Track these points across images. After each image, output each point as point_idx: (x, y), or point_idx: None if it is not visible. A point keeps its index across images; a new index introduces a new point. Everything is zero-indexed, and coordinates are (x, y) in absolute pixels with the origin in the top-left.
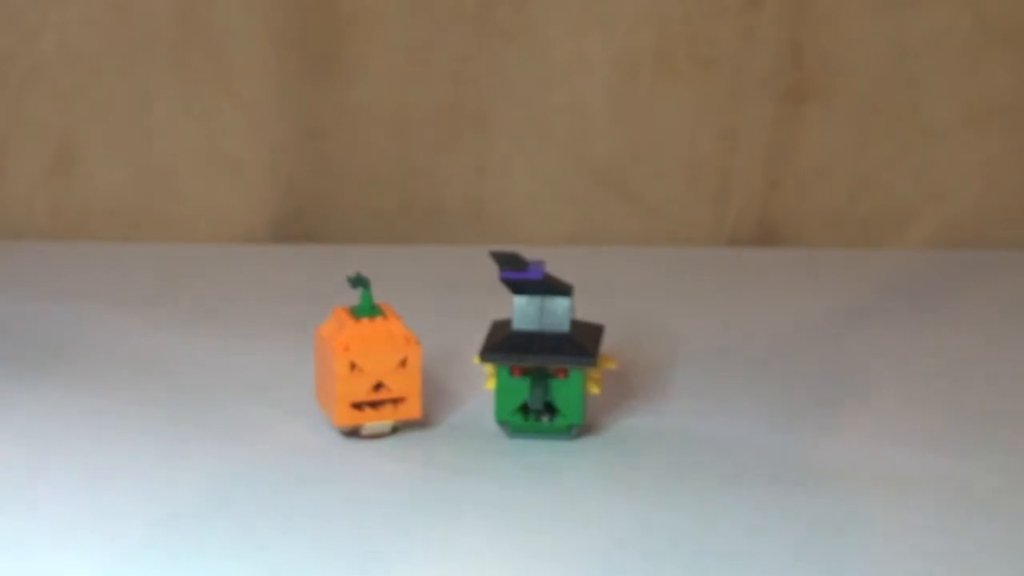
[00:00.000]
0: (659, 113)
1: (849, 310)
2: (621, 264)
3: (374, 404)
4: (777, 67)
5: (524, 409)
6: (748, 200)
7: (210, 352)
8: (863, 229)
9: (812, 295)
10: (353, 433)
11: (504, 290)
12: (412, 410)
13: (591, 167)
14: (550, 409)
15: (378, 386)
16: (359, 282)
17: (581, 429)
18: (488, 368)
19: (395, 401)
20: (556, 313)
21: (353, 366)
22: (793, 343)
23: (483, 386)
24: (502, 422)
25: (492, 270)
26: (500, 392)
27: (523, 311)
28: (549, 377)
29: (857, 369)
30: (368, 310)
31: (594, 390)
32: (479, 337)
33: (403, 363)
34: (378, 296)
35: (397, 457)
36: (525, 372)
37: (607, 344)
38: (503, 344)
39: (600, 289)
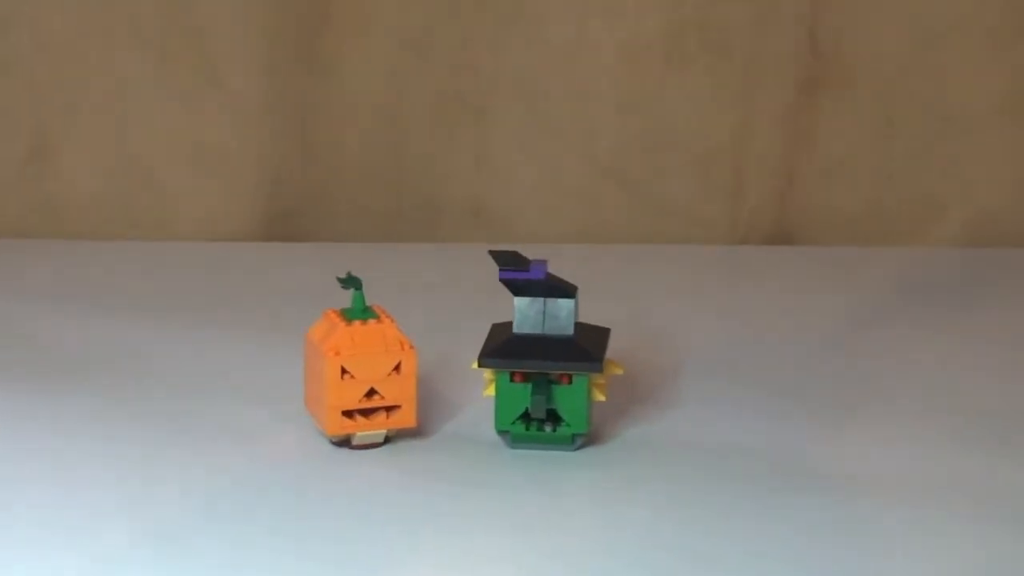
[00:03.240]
0: (668, 103)
1: (870, 312)
2: (628, 263)
3: (366, 412)
4: (794, 54)
5: (525, 417)
6: (763, 196)
7: (194, 356)
8: (886, 226)
9: (831, 297)
10: (344, 443)
11: (504, 291)
12: (406, 418)
13: (596, 160)
14: (553, 417)
15: (370, 393)
16: (350, 282)
17: (586, 439)
18: (487, 374)
19: (388, 409)
20: (559, 315)
21: (344, 372)
22: (810, 347)
23: (481, 393)
24: (502, 431)
25: (491, 270)
26: (500, 400)
27: (524, 313)
28: (552, 383)
29: (877, 374)
30: (360, 312)
31: (599, 397)
32: (477, 341)
33: (397, 369)
34: (371, 298)
35: (390, 468)
36: (526, 378)
37: (613, 348)
38: (503, 348)
39: (606, 290)
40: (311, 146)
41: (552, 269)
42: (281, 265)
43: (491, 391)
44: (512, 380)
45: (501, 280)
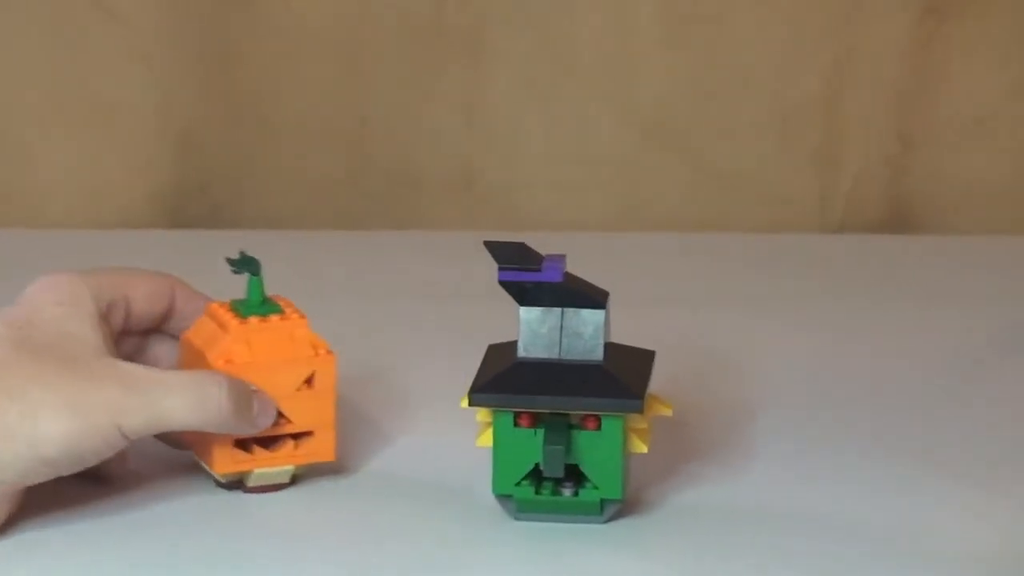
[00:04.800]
0: (736, 39)
1: (1017, 325)
2: (680, 259)
3: (266, 442)
4: None
5: (536, 477)
6: (868, 166)
7: None
8: None
9: (962, 305)
10: (236, 484)
11: (506, 298)
12: (321, 449)
13: (635, 117)
14: (574, 477)
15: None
16: (244, 265)
17: (620, 506)
18: (481, 415)
19: (296, 437)
20: (583, 333)
21: None
22: (934, 377)
23: (474, 442)
24: (503, 495)
25: (489, 268)
26: (500, 452)
27: (534, 330)
28: (573, 429)
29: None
30: (257, 306)
31: (640, 448)
32: (469, 369)
33: (308, 382)
34: (319, 305)
35: (329, 524)
36: (537, 421)
37: (658, 379)
38: (503, 380)
39: (649, 297)
40: (235, 94)
41: (572, 267)
42: (191, 261)
43: (487, 440)
44: (517, 424)
45: (501, 283)
